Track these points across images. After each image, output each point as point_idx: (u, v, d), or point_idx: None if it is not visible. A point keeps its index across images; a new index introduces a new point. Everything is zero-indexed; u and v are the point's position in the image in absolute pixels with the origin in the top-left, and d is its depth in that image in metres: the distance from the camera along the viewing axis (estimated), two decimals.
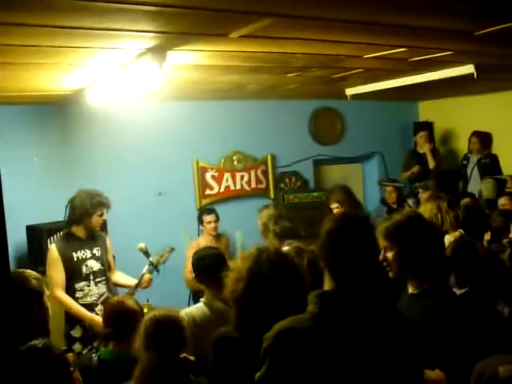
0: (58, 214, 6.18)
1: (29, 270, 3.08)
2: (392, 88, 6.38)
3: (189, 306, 6.15)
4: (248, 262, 2.53)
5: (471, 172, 8.42)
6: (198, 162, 7.68)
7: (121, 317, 3.46)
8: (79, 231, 5.06)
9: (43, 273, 5.33)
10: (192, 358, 3.14)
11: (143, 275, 5.07)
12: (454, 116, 8.79)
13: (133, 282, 5.18)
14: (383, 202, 8.42)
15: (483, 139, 8.37)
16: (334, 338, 2.22)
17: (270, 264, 2.51)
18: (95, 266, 5.04)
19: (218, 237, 7.09)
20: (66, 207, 5.05)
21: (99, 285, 5.04)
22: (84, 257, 5.01)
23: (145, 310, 4.63)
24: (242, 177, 8.04)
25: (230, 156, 7.95)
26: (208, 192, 7.80)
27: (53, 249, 4.98)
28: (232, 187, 7.99)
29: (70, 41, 3.38)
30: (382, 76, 6.02)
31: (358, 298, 2.30)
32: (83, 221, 5.01)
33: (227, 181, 7.94)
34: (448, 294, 3.14)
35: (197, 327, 3.63)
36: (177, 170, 7.52)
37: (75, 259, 4.96)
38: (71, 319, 4.95)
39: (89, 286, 4.98)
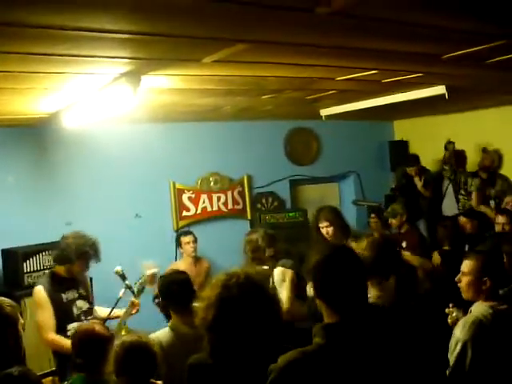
0: (34, 237, 6.21)
1: (2, 298, 3.07)
2: (366, 108, 6.46)
3: None
4: (217, 289, 2.53)
5: (446, 189, 8.56)
6: (175, 183, 7.69)
7: (90, 346, 3.40)
8: (62, 271, 4.84)
9: (18, 298, 5.32)
10: (159, 382, 3.13)
11: (119, 299, 4.99)
12: (429, 134, 8.89)
13: (117, 311, 5.00)
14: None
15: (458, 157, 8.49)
16: (342, 368, 2.25)
17: (238, 289, 2.49)
18: (84, 305, 4.86)
19: (197, 260, 7.09)
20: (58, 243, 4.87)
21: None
22: (72, 297, 4.81)
23: (122, 333, 4.61)
24: (219, 198, 8.05)
25: (206, 177, 7.97)
26: (185, 214, 7.80)
27: (40, 290, 4.71)
28: (209, 208, 8.00)
29: (44, 67, 3.40)
30: (355, 97, 6.10)
31: (361, 327, 2.34)
32: (65, 264, 4.80)
33: (204, 202, 7.94)
34: None
35: (163, 352, 3.61)
36: (153, 192, 7.52)
37: (65, 300, 4.75)
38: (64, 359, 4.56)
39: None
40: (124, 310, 4.91)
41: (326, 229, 5.57)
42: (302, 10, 2.52)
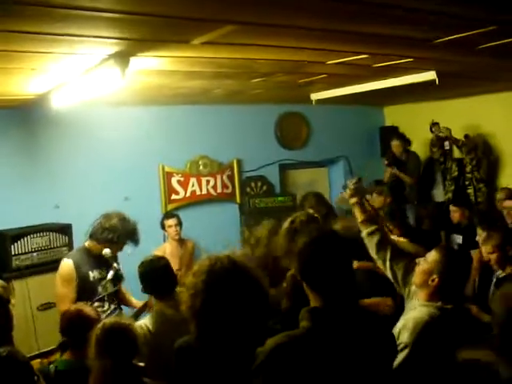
0: (22, 220, 6.18)
1: None
2: (357, 93, 6.45)
3: None
4: (203, 275, 2.51)
5: (436, 175, 8.61)
6: (164, 166, 7.67)
7: (77, 326, 3.42)
8: (97, 249, 4.78)
9: (7, 280, 5.28)
10: (141, 364, 3.13)
11: (108, 281, 4.93)
12: (420, 120, 8.88)
13: (139, 303, 4.98)
14: None
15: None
16: (328, 351, 2.27)
17: (224, 273, 2.49)
18: (109, 287, 4.76)
19: (182, 241, 7.10)
20: (97, 221, 4.81)
21: (111, 305, 4.81)
22: (99, 276, 4.76)
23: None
24: (208, 181, 8.05)
25: (195, 161, 7.95)
26: (174, 197, 7.80)
27: (68, 264, 4.67)
28: (198, 192, 7.99)
29: (31, 46, 3.35)
30: (345, 81, 6.08)
31: (346, 311, 2.37)
32: (106, 243, 4.73)
33: (193, 186, 7.94)
34: None
35: (151, 336, 3.62)
36: (143, 175, 7.50)
37: (91, 278, 4.72)
38: None
39: (103, 307, 4.71)
40: (140, 305, 4.90)
41: None
42: None
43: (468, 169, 7.99)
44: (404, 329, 3.22)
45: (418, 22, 3.24)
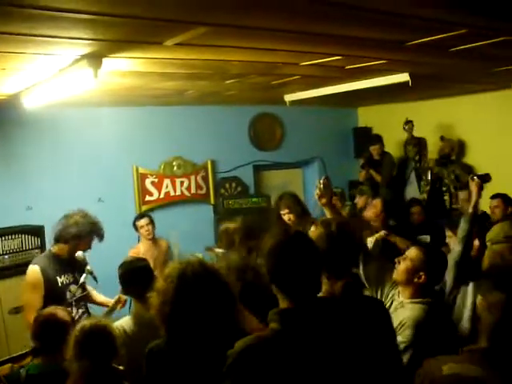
0: None
1: None
2: (330, 94, 6.47)
3: (129, 313, 6.12)
4: (173, 280, 2.49)
5: (409, 175, 8.65)
6: (138, 168, 7.63)
7: (49, 329, 3.38)
8: (63, 251, 4.68)
9: None
10: (121, 367, 3.11)
11: (81, 284, 4.89)
12: (394, 121, 8.93)
13: (110, 300, 4.91)
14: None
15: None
16: (297, 352, 2.27)
17: (194, 278, 2.48)
18: (77, 291, 4.72)
19: (155, 241, 7.08)
20: (59, 223, 4.68)
21: (79, 310, 4.73)
22: (68, 281, 4.67)
23: None
24: (182, 183, 8.03)
25: (169, 162, 7.93)
26: (148, 198, 7.77)
27: (35, 271, 4.53)
28: (172, 193, 7.97)
29: (1, 46, 3.31)
30: (319, 83, 6.09)
31: (316, 313, 2.37)
32: (72, 242, 4.65)
33: (167, 187, 7.91)
34: None
35: (128, 339, 3.59)
36: (116, 176, 7.46)
37: (59, 284, 4.60)
38: None
39: (71, 312, 4.45)
40: (111, 302, 4.84)
41: (287, 215, 5.60)
42: None
43: (445, 175, 8.06)
44: (403, 328, 3.29)
45: (391, 24, 3.25)
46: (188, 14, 2.84)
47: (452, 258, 4.10)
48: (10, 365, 4.25)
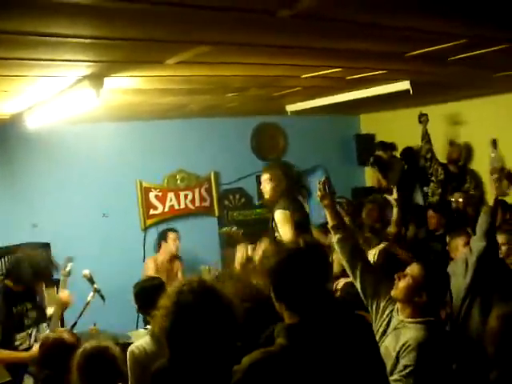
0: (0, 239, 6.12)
1: None
2: (332, 103, 6.47)
3: (137, 329, 6.13)
4: (172, 297, 2.51)
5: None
6: (142, 182, 7.64)
7: (61, 355, 3.33)
8: (16, 286, 4.53)
9: None
10: None
11: (88, 302, 4.90)
12: (396, 128, 8.92)
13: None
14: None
15: None
16: (305, 368, 2.26)
17: (193, 295, 2.48)
18: (37, 315, 4.60)
19: (173, 258, 7.10)
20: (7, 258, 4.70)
21: (40, 330, 4.62)
22: (24, 309, 4.52)
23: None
24: (186, 195, 8.01)
25: (173, 175, 7.93)
26: (152, 212, 7.76)
27: None
28: (176, 206, 7.95)
29: (3, 70, 3.34)
30: (320, 93, 6.10)
31: (323, 327, 2.35)
32: (24, 283, 4.53)
33: (171, 200, 7.90)
34: None
35: (148, 359, 3.57)
36: (120, 191, 7.46)
37: (15, 312, 4.44)
38: (15, 371, 4.34)
39: (30, 334, 4.52)
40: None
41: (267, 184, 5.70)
42: (263, 12, 2.50)
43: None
44: (408, 351, 3.16)
45: (391, 37, 3.27)
46: (187, 34, 2.85)
47: (474, 255, 3.98)
48: None
